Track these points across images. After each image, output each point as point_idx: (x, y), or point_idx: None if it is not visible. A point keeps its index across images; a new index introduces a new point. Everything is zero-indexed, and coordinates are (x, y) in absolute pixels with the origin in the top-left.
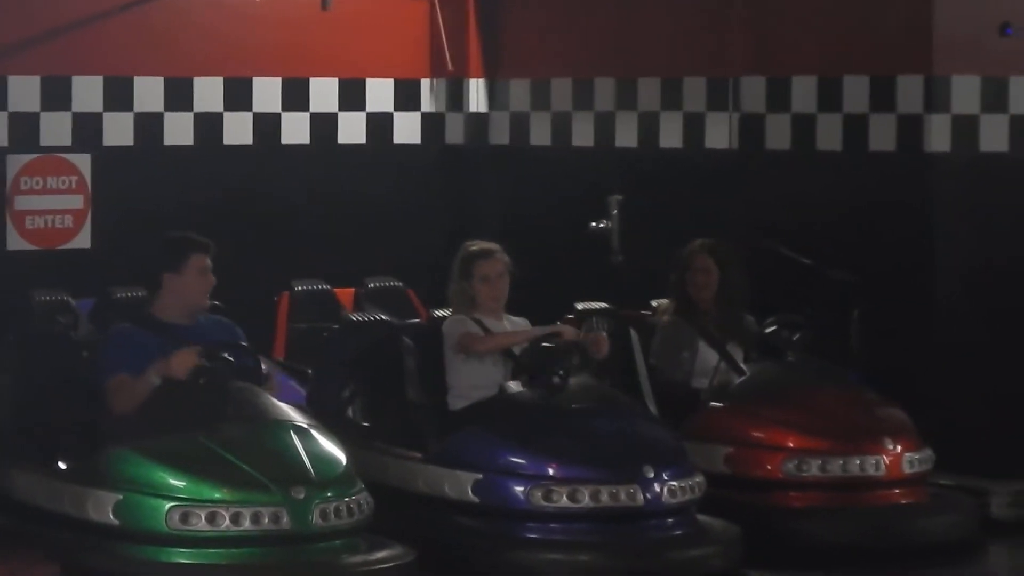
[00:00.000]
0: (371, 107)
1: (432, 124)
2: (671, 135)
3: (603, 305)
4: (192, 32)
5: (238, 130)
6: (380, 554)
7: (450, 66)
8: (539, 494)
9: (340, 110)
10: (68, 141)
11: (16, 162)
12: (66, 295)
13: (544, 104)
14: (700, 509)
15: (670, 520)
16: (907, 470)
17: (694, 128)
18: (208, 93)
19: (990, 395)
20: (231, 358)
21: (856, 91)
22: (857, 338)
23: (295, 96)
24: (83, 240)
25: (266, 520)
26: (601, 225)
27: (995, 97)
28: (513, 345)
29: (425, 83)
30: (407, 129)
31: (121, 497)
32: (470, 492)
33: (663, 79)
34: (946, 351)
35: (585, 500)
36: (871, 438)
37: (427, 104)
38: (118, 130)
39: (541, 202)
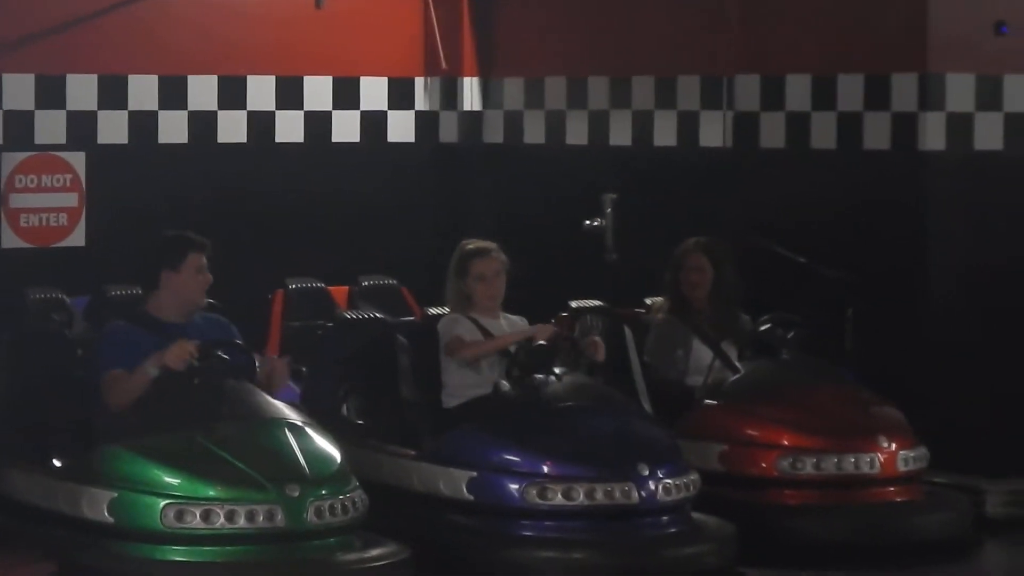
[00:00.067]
0: (365, 105)
1: (426, 122)
2: (665, 133)
3: (597, 303)
4: (186, 30)
5: (232, 128)
6: (375, 552)
7: (444, 64)
8: (534, 492)
9: (334, 108)
10: (63, 139)
11: (11, 160)
12: (61, 293)
13: (538, 102)
14: (695, 507)
15: (665, 518)
16: (902, 468)
17: (688, 126)
18: (202, 91)
19: (985, 393)
20: (226, 356)
21: (851, 89)
22: (851, 336)
23: (289, 94)
24: (78, 238)
25: (261, 518)
26: (595, 223)
27: (990, 95)
28: (494, 351)
29: (419, 81)
30: (401, 127)
31: (116, 495)
32: (465, 490)
33: (657, 77)
34: (941, 349)
35: (580, 498)
36: (866, 436)
37: (421, 102)
38: (112, 128)
39: (535, 201)
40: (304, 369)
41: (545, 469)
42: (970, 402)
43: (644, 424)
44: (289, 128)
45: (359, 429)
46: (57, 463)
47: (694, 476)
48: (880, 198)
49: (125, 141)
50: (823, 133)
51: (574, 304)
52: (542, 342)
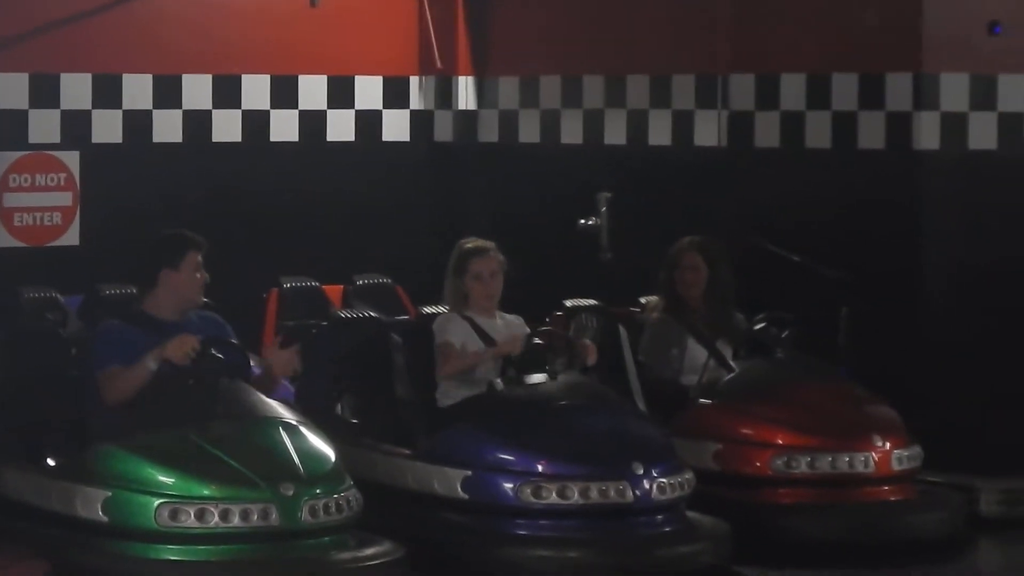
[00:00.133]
0: (360, 104)
1: (421, 121)
2: (660, 133)
3: (592, 302)
4: (181, 29)
5: (227, 127)
6: (369, 551)
7: (439, 63)
8: (528, 491)
9: (329, 107)
10: (57, 138)
11: (5, 159)
12: (55, 292)
13: (533, 101)
14: (689, 506)
15: (659, 517)
16: (896, 467)
17: (683, 126)
18: (197, 90)
19: (979, 392)
20: (220, 355)
21: (845, 89)
22: (846, 335)
23: (284, 93)
24: (72, 237)
25: (255, 517)
26: (590, 222)
27: (984, 95)
28: (472, 367)
29: (414, 80)
30: (396, 126)
31: (110, 494)
32: (459, 489)
33: (652, 76)
34: (935, 348)
35: (574, 497)
36: (860, 435)
37: (416, 101)
38: (107, 127)
39: (530, 200)
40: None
41: (540, 468)
42: (964, 401)
43: (639, 423)
44: (284, 127)
45: (353, 428)
46: (51, 462)
47: (689, 475)
48: (875, 197)
49: (119, 140)
50: (818, 132)
51: (569, 303)
52: (538, 341)
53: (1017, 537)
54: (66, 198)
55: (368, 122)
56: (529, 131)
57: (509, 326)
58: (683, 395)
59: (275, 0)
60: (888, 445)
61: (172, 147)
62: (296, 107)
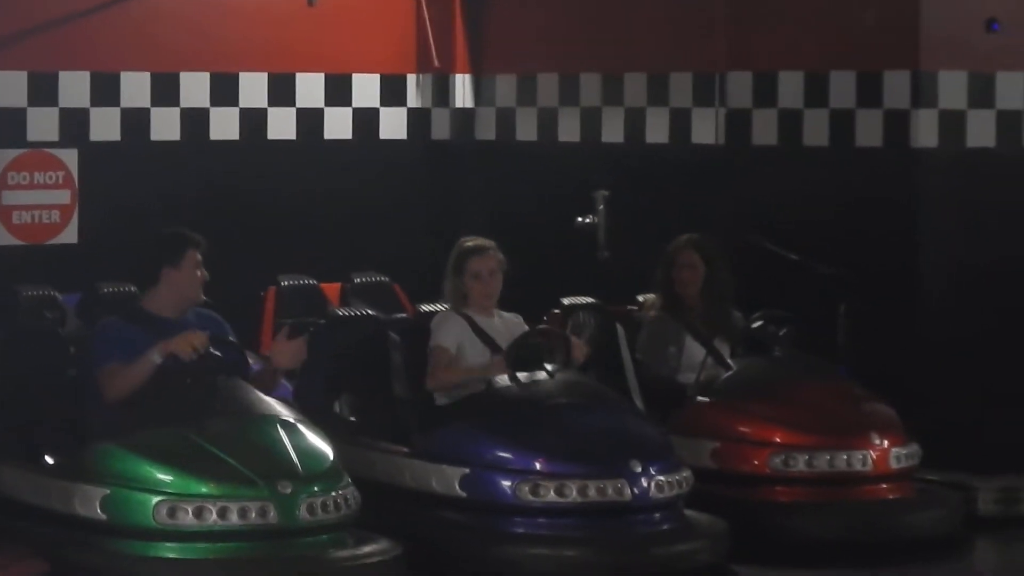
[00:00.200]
0: (357, 102)
1: (418, 119)
2: (657, 130)
3: (590, 300)
4: (178, 28)
5: (224, 125)
6: (367, 548)
7: (436, 61)
8: (526, 489)
9: (326, 105)
10: (55, 136)
11: (3, 157)
12: (53, 290)
13: (530, 99)
14: (687, 504)
15: (657, 515)
16: (894, 465)
17: (680, 123)
18: (194, 88)
19: (977, 391)
20: (218, 353)
21: (843, 87)
22: (844, 333)
23: (281, 91)
24: (70, 235)
25: (253, 515)
26: (587, 221)
27: (982, 93)
28: (459, 381)
29: (411, 78)
30: (393, 124)
31: (108, 492)
32: (457, 487)
33: (649, 74)
34: (932, 346)
35: (572, 495)
36: (858, 433)
37: (413, 99)
38: (105, 125)
39: (527, 198)
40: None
41: (538, 466)
42: (962, 399)
43: (636, 421)
44: (281, 125)
45: (351, 426)
46: (50, 460)
47: (686, 473)
48: (872, 195)
49: (117, 138)
50: (815, 130)
51: (566, 301)
52: (535, 339)
53: (1014, 536)
54: (64, 196)
55: (365, 120)
56: (526, 129)
57: (507, 324)
58: (681, 393)
59: None
60: (886, 443)
61: (170, 145)
62: (294, 105)
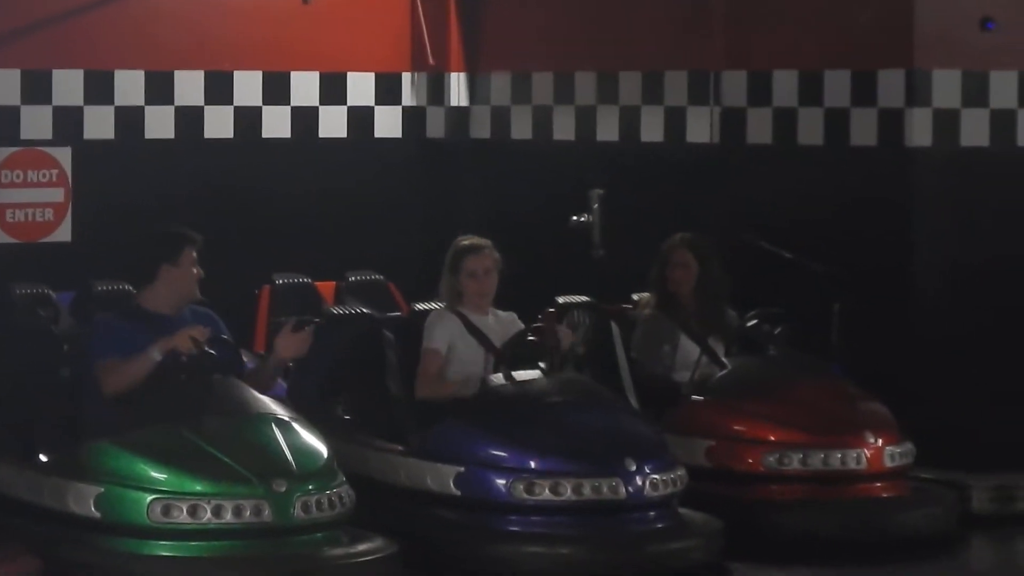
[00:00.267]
0: (352, 101)
1: (413, 118)
2: (652, 129)
3: (584, 299)
4: (173, 26)
5: (219, 124)
6: (362, 547)
7: (431, 60)
8: (521, 487)
9: (321, 104)
10: (49, 135)
11: None
12: (47, 288)
13: (525, 98)
14: (682, 502)
15: (652, 513)
16: (888, 464)
17: (675, 122)
18: (189, 87)
19: (972, 389)
20: (213, 351)
21: (837, 85)
22: (838, 332)
23: (276, 90)
24: (64, 233)
25: (248, 513)
26: (582, 219)
27: (976, 91)
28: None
29: (406, 77)
30: (388, 123)
31: (102, 490)
32: (452, 485)
33: (644, 73)
34: (927, 345)
35: (567, 493)
36: (852, 432)
37: (408, 98)
38: (99, 124)
39: (522, 196)
40: (291, 364)
41: (532, 464)
42: (956, 397)
43: (631, 420)
44: (276, 124)
45: (346, 424)
46: (44, 458)
47: (681, 472)
48: (867, 194)
49: (111, 136)
50: (810, 129)
51: (561, 300)
52: (531, 337)
53: (1009, 534)
54: (58, 194)
55: (360, 118)
56: (521, 127)
57: (502, 323)
58: (675, 392)
59: None
60: (880, 442)
61: (164, 143)
62: (288, 104)
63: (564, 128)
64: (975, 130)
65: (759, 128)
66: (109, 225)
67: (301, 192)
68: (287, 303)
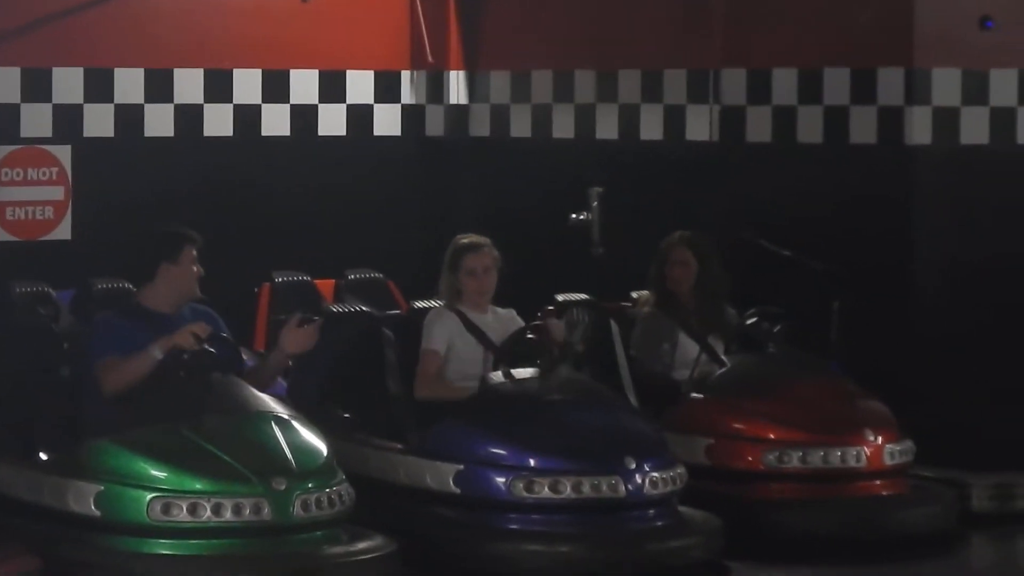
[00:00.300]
0: (351, 99)
1: (412, 116)
2: (652, 127)
3: (584, 297)
4: (172, 24)
5: (218, 122)
6: (361, 545)
7: (430, 58)
8: (521, 485)
9: (320, 102)
10: (48, 132)
11: None
12: (47, 286)
13: (524, 96)
14: (681, 501)
15: (651, 511)
16: (888, 462)
17: (675, 120)
18: (188, 85)
19: (971, 387)
20: (212, 349)
21: (837, 83)
22: (837, 330)
23: (275, 88)
24: (63, 231)
25: (247, 511)
26: (582, 217)
27: (976, 90)
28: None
29: (405, 75)
30: (387, 121)
31: (102, 488)
32: (451, 483)
33: (644, 71)
34: (927, 343)
35: (567, 491)
36: (852, 430)
37: (407, 96)
38: (98, 122)
39: (521, 194)
40: (290, 362)
41: (532, 462)
42: (956, 396)
43: (631, 418)
44: (275, 121)
45: (345, 422)
46: (43, 457)
47: (681, 470)
48: (866, 192)
49: (111, 134)
50: (809, 127)
51: (560, 298)
52: (530, 335)
53: (1008, 532)
54: (58, 192)
55: (359, 116)
56: (520, 125)
57: (500, 320)
58: (674, 390)
59: None
60: (880, 440)
61: (164, 141)
62: (288, 101)
63: (563, 126)
64: (975, 128)
65: (758, 126)
66: (109, 223)
67: (300, 190)
68: (286, 301)
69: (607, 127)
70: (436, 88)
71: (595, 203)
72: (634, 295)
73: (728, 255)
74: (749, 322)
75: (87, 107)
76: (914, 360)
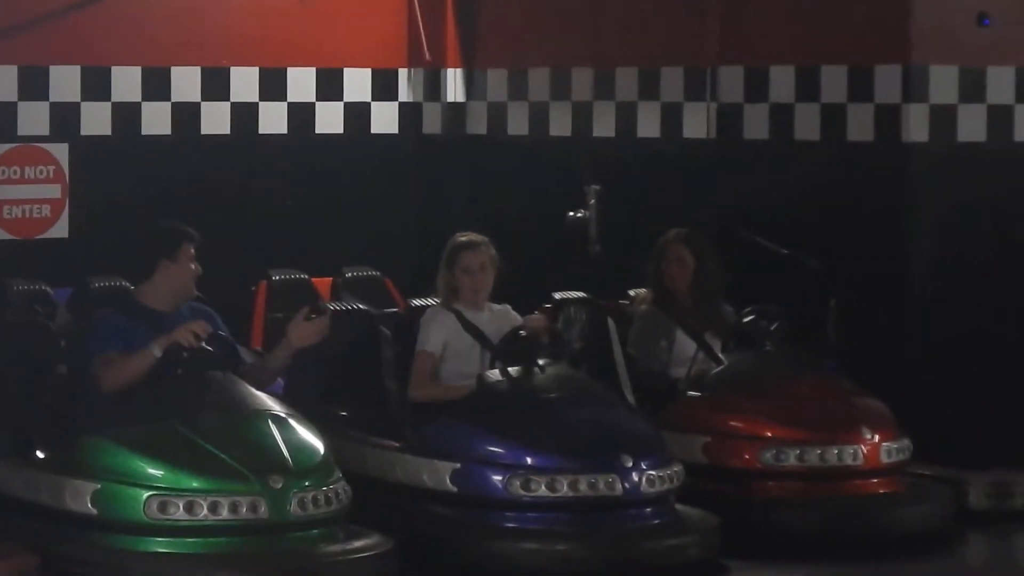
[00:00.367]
0: (348, 97)
1: (410, 114)
2: (649, 125)
3: (581, 295)
4: (169, 22)
5: (216, 120)
6: (358, 543)
7: (428, 56)
8: (518, 483)
9: (317, 100)
10: (46, 131)
11: None
12: (44, 285)
13: (522, 94)
14: (678, 499)
15: (648, 509)
16: (885, 460)
17: (672, 118)
18: (185, 83)
19: (968, 385)
20: (210, 347)
21: (834, 81)
22: (834, 328)
23: (273, 86)
24: (61, 230)
25: (244, 509)
26: (579, 215)
27: (973, 87)
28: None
29: (403, 73)
30: (384, 119)
31: (99, 486)
32: (448, 481)
33: (641, 69)
34: (924, 340)
35: (564, 489)
36: (849, 428)
37: (404, 94)
38: (96, 120)
39: (519, 192)
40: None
41: (529, 460)
42: (953, 394)
43: (628, 416)
44: (272, 120)
45: (342, 420)
46: (40, 454)
47: (678, 468)
48: (864, 189)
49: (108, 133)
50: (807, 125)
51: (558, 296)
52: (523, 333)
53: (1005, 530)
54: (55, 190)
55: (357, 114)
56: (518, 123)
57: (496, 316)
58: (672, 388)
59: None
60: (877, 438)
61: (161, 139)
62: (285, 99)
63: (560, 124)
64: (972, 125)
65: (756, 123)
66: (106, 221)
67: (297, 188)
68: (284, 299)
69: (604, 125)
70: (433, 86)
71: (592, 201)
72: (631, 293)
73: (725, 253)
74: (746, 320)
75: (84, 105)
76: (911, 357)
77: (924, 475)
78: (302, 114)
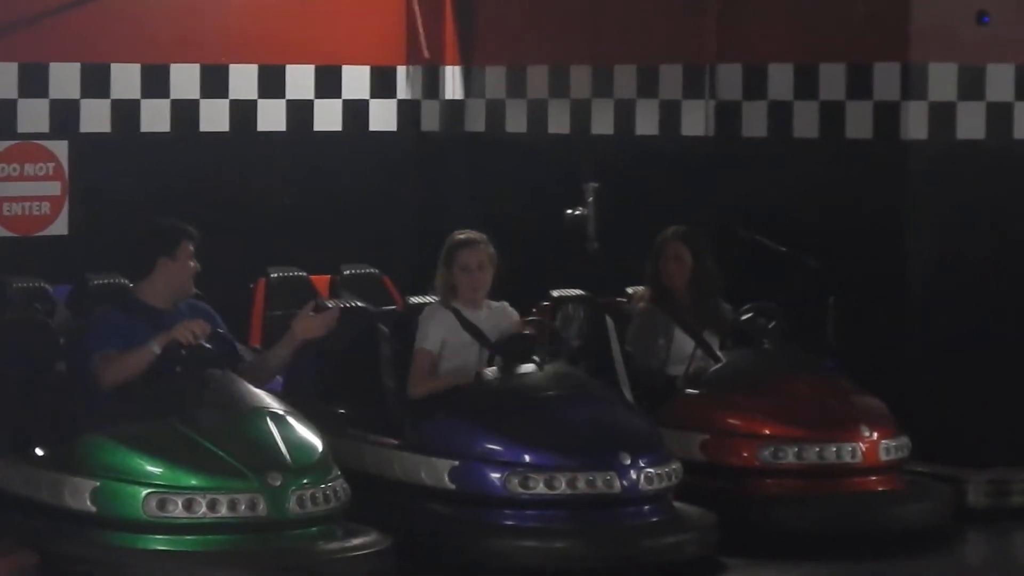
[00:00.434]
0: (347, 94)
1: (408, 111)
2: (647, 122)
3: (579, 292)
4: (168, 19)
5: (214, 117)
6: (356, 541)
7: (426, 53)
8: (516, 481)
9: (316, 97)
10: (45, 128)
11: None
12: (43, 282)
13: (520, 91)
14: (676, 496)
15: (647, 507)
16: (883, 457)
17: (670, 115)
18: (184, 80)
19: (966, 383)
20: (208, 345)
21: (833, 78)
22: (833, 326)
23: (271, 83)
24: (60, 227)
25: (243, 507)
26: (577, 212)
27: (972, 85)
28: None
29: (401, 70)
30: (383, 116)
31: (98, 484)
32: (446, 479)
33: (639, 66)
34: (922, 338)
35: (562, 487)
36: (847, 426)
37: (403, 91)
38: (95, 117)
39: (517, 189)
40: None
41: (527, 458)
42: (951, 392)
43: (626, 413)
44: (271, 117)
45: (340, 418)
46: (39, 452)
47: (676, 465)
48: (862, 187)
49: (108, 130)
50: (805, 122)
51: (556, 293)
52: (527, 331)
53: (1004, 528)
54: (54, 187)
55: (355, 112)
56: (516, 121)
57: (494, 314)
58: (670, 386)
59: None
60: (875, 435)
61: (160, 137)
62: (283, 97)
63: (559, 121)
64: (971, 123)
65: (754, 121)
66: (105, 219)
67: (296, 185)
68: (282, 296)
69: (603, 122)
70: (432, 83)
71: (591, 198)
72: (629, 291)
73: (723, 251)
74: (744, 318)
75: (83, 102)
76: (909, 355)
77: (922, 473)
78: (301, 111)
